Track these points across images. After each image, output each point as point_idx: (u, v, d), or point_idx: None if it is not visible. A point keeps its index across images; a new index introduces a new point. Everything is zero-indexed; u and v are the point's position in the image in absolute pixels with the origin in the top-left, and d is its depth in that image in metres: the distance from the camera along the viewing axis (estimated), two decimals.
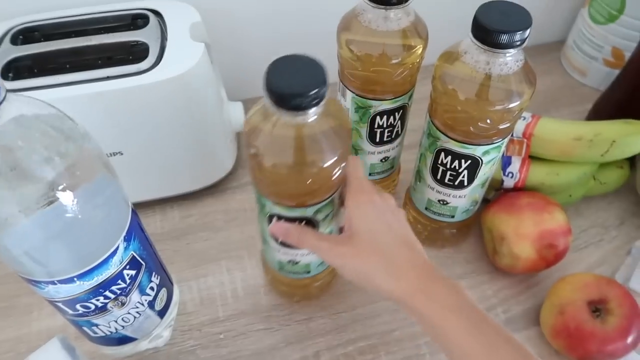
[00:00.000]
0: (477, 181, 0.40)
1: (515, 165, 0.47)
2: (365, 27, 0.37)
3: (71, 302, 0.32)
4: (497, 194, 0.49)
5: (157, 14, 0.46)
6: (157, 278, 0.38)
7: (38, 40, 0.44)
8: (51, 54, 0.43)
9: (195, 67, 0.42)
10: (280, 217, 0.35)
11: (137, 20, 0.46)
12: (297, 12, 0.55)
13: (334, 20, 0.40)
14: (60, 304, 0.32)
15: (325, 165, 0.31)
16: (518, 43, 0.32)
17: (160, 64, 0.42)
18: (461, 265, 0.49)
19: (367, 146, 0.45)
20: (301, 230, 0.34)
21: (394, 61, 0.37)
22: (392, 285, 0.32)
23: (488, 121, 0.34)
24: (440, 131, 0.38)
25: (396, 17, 0.37)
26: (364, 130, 0.43)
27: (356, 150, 0.46)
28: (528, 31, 0.32)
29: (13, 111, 0.25)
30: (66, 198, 0.27)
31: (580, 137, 0.45)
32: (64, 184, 0.27)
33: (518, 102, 0.34)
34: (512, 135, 0.47)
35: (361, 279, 0.33)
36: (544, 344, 0.43)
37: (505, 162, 0.47)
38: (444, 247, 0.48)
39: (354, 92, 0.41)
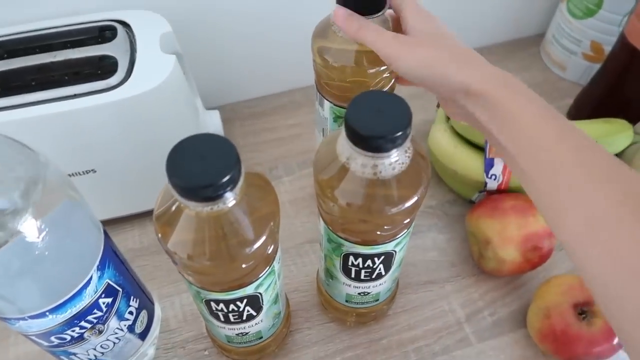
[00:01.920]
0: (395, 266, 0.36)
1: (498, 168, 0.46)
2: (339, 37, 0.36)
3: (45, 335, 0.31)
4: (481, 195, 0.49)
5: (125, 25, 0.45)
6: (135, 302, 0.37)
7: (1, 58, 0.42)
8: (15, 71, 0.41)
9: (167, 80, 0.41)
10: (218, 301, 0.32)
11: (104, 33, 0.44)
12: (271, 18, 0.54)
13: (309, 28, 0.39)
14: (33, 337, 0.31)
15: (255, 247, 0.28)
16: (400, 142, 0.27)
17: (130, 78, 0.41)
18: (446, 269, 0.49)
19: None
20: (361, 23, 0.32)
21: (370, 71, 0.36)
22: (464, 75, 0.28)
23: (396, 221, 0.31)
24: (342, 239, 0.33)
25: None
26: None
27: None
28: (410, 127, 0.27)
29: None
30: (30, 231, 0.26)
31: None
32: (27, 217, 0.25)
33: (422, 189, 0.30)
34: None
35: (425, 68, 0.29)
36: (532, 345, 0.43)
37: (488, 164, 0.47)
38: (374, 324, 0.45)
39: (331, 102, 0.40)
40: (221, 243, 0.27)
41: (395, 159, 0.28)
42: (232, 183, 0.25)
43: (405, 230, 0.32)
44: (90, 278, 0.30)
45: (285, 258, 0.49)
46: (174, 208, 0.27)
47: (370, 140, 0.26)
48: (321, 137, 0.43)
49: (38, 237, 0.26)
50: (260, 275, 0.31)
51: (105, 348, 0.35)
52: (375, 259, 0.33)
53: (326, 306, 0.44)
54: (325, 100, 0.40)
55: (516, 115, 0.27)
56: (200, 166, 0.25)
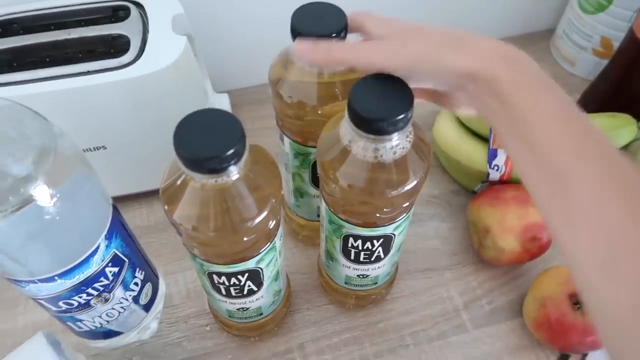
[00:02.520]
0: (394, 249, 0.37)
1: (501, 158, 0.47)
2: (298, 71, 0.33)
3: (53, 300, 0.32)
4: (483, 186, 0.49)
5: (138, 5, 0.46)
6: (141, 273, 0.38)
7: (17, 33, 0.43)
8: (31, 47, 0.42)
9: (177, 60, 0.42)
10: (220, 274, 0.33)
11: (118, 12, 0.45)
12: (283, 5, 0.55)
13: None
14: (42, 301, 0.33)
15: (257, 221, 0.28)
16: (402, 125, 0.27)
17: (142, 57, 0.41)
18: (447, 257, 0.49)
19: (311, 189, 0.42)
20: (330, 45, 0.28)
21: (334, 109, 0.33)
22: (464, 57, 0.25)
23: (395, 204, 0.31)
24: (343, 220, 0.33)
25: None
26: (306, 174, 0.40)
27: (301, 194, 0.43)
28: (411, 110, 0.27)
29: None
30: (42, 198, 0.27)
31: None
32: (40, 184, 0.26)
33: (422, 174, 0.30)
34: None
35: (420, 63, 0.26)
36: (527, 334, 0.44)
37: (491, 154, 0.47)
38: (372, 307, 0.46)
39: (290, 138, 0.37)
40: (224, 215, 0.28)
41: (397, 143, 0.28)
42: (237, 157, 0.26)
43: (404, 215, 0.33)
44: (98, 246, 0.31)
45: (287, 240, 0.50)
46: (179, 181, 0.28)
47: (372, 123, 0.27)
48: (285, 172, 0.41)
49: (50, 204, 0.27)
50: (262, 250, 0.32)
51: (110, 316, 0.36)
52: (375, 241, 0.34)
53: (326, 288, 0.45)
54: (285, 136, 0.38)
55: (527, 112, 0.24)
56: (207, 139, 0.25)
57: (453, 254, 0.49)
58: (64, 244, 0.29)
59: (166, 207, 0.29)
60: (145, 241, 0.50)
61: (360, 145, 0.28)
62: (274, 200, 0.29)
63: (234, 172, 0.27)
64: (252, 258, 0.32)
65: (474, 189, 0.51)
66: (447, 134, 0.51)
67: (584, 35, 0.60)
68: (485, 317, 0.45)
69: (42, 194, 0.27)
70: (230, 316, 0.39)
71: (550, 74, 0.70)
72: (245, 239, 0.29)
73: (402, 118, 0.26)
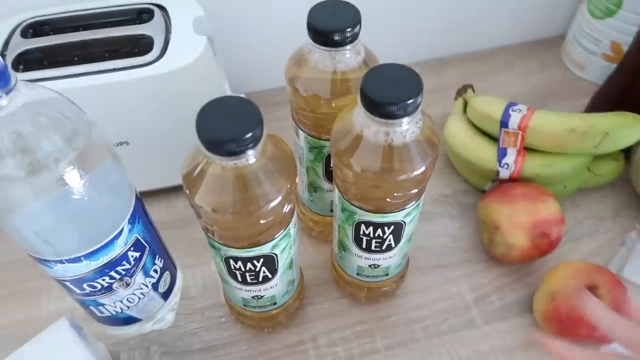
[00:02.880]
0: (404, 239, 0.38)
1: (510, 157, 0.48)
2: (312, 67, 0.35)
3: (79, 282, 0.34)
4: (493, 185, 0.50)
5: (161, 8, 0.48)
6: (160, 261, 0.39)
7: (47, 34, 0.45)
8: (60, 46, 0.44)
9: (198, 59, 0.44)
10: (237, 259, 0.34)
11: (142, 15, 0.48)
12: (303, 6, 0.57)
13: None
14: (68, 283, 0.34)
15: (273, 204, 0.30)
16: (411, 110, 0.29)
17: (165, 56, 0.44)
18: (458, 254, 0.50)
19: (324, 183, 0.43)
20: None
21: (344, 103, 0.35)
22: None
23: (405, 188, 0.32)
24: (355, 206, 0.34)
25: (344, 57, 0.35)
26: (320, 168, 0.42)
27: (315, 189, 0.44)
28: (420, 96, 0.29)
29: (23, 98, 0.26)
30: (75, 181, 0.28)
31: (573, 128, 0.46)
32: (73, 168, 0.28)
33: (430, 161, 0.32)
34: (507, 127, 0.48)
35: None
36: (537, 331, 0.44)
37: (501, 153, 0.48)
38: (384, 301, 0.47)
39: (306, 132, 0.39)
40: (242, 198, 0.29)
41: (406, 128, 0.30)
42: (255, 140, 0.27)
43: (414, 202, 0.34)
44: (122, 230, 0.33)
45: (302, 237, 0.51)
46: (200, 166, 0.30)
47: (383, 107, 0.28)
48: (300, 167, 0.43)
49: (81, 187, 0.29)
50: (277, 236, 0.33)
51: (130, 302, 0.38)
52: (386, 228, 0.35)
53: (339, 281, 0.46)
54: (300, 130, 0.40)
55: None
56: (227, 123, 0.27)
57: (463, 252, 0.50)
58: (91, 226, 0.31)
59: (188, 191, 0.30)
60: (163, 235, 0.51)
61: (372, 130, 0.30)
62: (289, 186, 0.31)
63: (252, 156, 0.28)
64: (267, 243, 0.33)
65: (484, 188, 0.52)
66: (458, 134, 0.52)
67: (593, 40, 0.62)
68: (496, 312, 0.46)
69: (74, 176, 0.28)
70: (245, 305, 0.41)
71: (560, 79, 0.71)
72: (261, 221, 0.30)
73: (412, 103, 0.28)
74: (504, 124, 0.48)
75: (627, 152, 0.51)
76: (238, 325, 0.45)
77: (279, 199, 0.30)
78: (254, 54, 0.62)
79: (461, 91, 0.56)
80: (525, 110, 0.48)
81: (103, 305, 0.37)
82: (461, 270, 0.49)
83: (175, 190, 0.54)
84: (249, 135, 0.27)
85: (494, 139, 0.50)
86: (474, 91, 0.55)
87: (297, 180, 0.32)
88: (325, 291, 0.48)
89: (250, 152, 0.28)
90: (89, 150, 0.29)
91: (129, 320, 0.40)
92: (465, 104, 0.55)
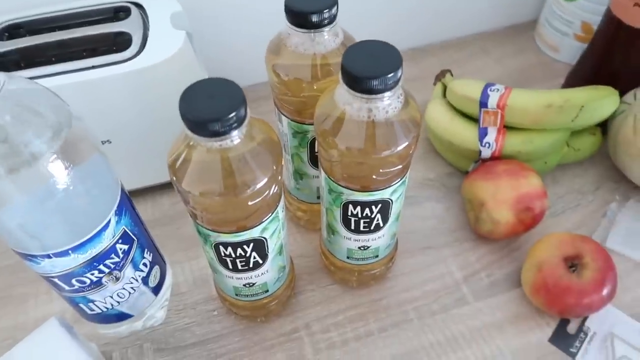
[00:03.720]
0: (392, 218, 0.38)
1: (491, 136, 0.49)
2: (292, 51, 0.35)
3: (67, 277, 0.33)
4: (476, 165, 0.51)
5: (138, 6, 0.48)
6: (149, 255, 0.39)
7: (23, 36, 0.45)
8: (37, 47, 0.44)
9: (177, 53, 0.44)
10: (227, 244, 0.34)
11: (119, 13, 0.48)
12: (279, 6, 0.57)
13: None
14: (56, 280, 0.34)
15: (259, 185, 0.30)
16: (392, 84, 0.29)
17: (144, 52, 0.43)
18: (445, 235, 0.51)
19: (310, 169, 0.43)
20: None
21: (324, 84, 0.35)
22: None
23: (390, 164, 0.33)
24: (341, 186, 0.35)
25: (323, 39, 0.35)
26: (305, 154, 0.42)
27: (301, 175, 0.44)
28: (400, 70, 0.29)
29: (2, 87, 0.26)
30: (59, 173, 0.28)
31: (550, 104, 0.47)
32: (57, 159, 0.28)
33: (413, 137, 0.32)
34: (487, 107, 0.49)
35: None
36: (526, 303, 0.45)
37: (482, 133, 0.49)
38: (375, 284, 0.47)
39: (289, 118, 0.39)
40: (229, 179, 0.29)
41: (388, 103, 0.30)
42: (239, 120, 0.28)
43: (400, 179, 0.35)
44: (109, 221, 0.33)
45: (290, 226, 0.51)
46: (186, 151, 0.30)
47: (364, 82, 0.28)
48: (284, 154, 0.43)
49: (66, 179, 0.28)
50: (265, 219, 0.33)
51: (121, 297, 0.38)
52: (373, 207, 0.36)
53: (329, 267, 0.46)
54: (283, 116, 0.40)
55: None
56: (210, 104, 0.27)
57: (451, 232, 0.51)
58: (78, 218, 0.31)
59: (174, 178, 0.31)
60: (151, 234, 0.51)
61: (355, 107, 0.30)
62: (275, 167, 0.31)
63: (236, 136, 0.28)
64: (256, 226, 0.33)
65: (467, 169, 0.53)
66: (439, 118, 0.53)
67: (565, 22, 0.63)
68: (485, 289, 0.47)
69: (58, 168, 0.28)
70: (237, 295, 0.40)
71: (535, 62, 0.73)
72: (249, 203, 0.30)
73: (392, 76, 0.28)
74: (483, 104, 0.49)
75: (604, 127, 0.52)
76: (231, 317, 0.45)
77: (265, 180, 0.30)
78: (234, 50, 0.62)
79: (440, 76, 0.57)
80: (503, 90, 0.49)
81: (93, 301, 0.37)
82: (449, 250, 0.49)
83: (160, 188, 0.54)
84: (232, 114, 0.27)
85: (474, 120, 0.51)
86: (452, 75, 0.56)
87: (282, 163, 0.33)
88: (317, 279, 0.48)
89: (234, 133, 0.28)
90: (73, 140, 0.29)
91: (120, 317, 0.40)
92: (445, 88, 0.55)
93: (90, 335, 0.43)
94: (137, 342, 0.44)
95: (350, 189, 0.34)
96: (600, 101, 0.47)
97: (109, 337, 0.44)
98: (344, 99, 0.31)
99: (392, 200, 0.36)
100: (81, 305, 0.37)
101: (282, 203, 0.35)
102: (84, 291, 0.35)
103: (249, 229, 0.33)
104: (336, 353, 0.43)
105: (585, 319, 0.44)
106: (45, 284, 0.47)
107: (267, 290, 0.41)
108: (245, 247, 0.34)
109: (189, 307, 0.46)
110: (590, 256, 0.41)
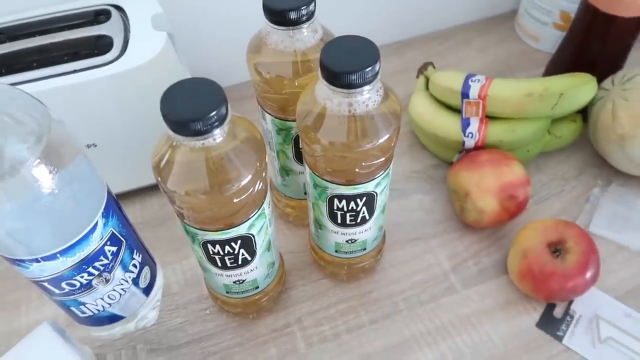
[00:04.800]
0: (377, 211, 0.39)
1: (474, 126, 0.49)
2: (272, 49, 0.36)
3: (56, 281, 0.34)
4: (460, 155, 0.52)
5: (118, 8, 0.48)
6: (138, 256, 0.39)
7: (3, 42, 0.45)
8: (17, 53, 0.44)
9: (159, 54, 0.44)
10: (214, 242, 0.34)
11: (99, 16, 0.47)
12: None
13: None
14: (46, 284, 0.34)
15: (244, 182, 0.30)
16: (370, 78, 0.30)
17: (126, 54, 0.44)
18: (432, 226, 0.51)
19: (296, 165, 0.44)
20: None
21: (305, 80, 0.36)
22: None
23: (372, 157, 0.33)
24: (326, 180, 0.35)
25: (302, 36, 0.35)
26: (290, 150, 0.42)
27: (287, 172, 0.45)
28: (378, 63, 0.30)
29: None
30: (43, 178, 0.28)
31: (530, 92, 0.48)
32: (40, 164, 0.28)
33: (393, 129, 0.33)
34: (468, 98, 0.50)
35: None
36: (513, 290, 0.46)
37: (465, 123, 0.50)
38: (364, 277, 0.48)
39: (272, 115, 0.40)
40: (213, 177, 0.29)
41: (368, 96, 0.31)
42: (220, 119, 0.28)
43: (383, 171, 0.35)
44: (96, 224, 0.33)
45: (278, 223, 0.52)
46: (169, 152, 0.30)
47: (343, 77, 0.29)
48: (270, 152, 0.44)
49: (48, 182, 0.28)
50: (251, 216, 0.34)
51: (112, 299, 0.38)
52: (358, 200, 0.36)
53: (319, 262, 0.47)
54: (267, 114, 0.40)
55: None
56: (191, 104, 0.28)
57: (438, 223, 0.52)
58: (65, 221, 0.31)
59: (159, 178, 0.31)
60: (140, 236, 0.51)
61: (335, 102, 0.31)
62: (258, 164, 0.31)
63: (219, 135, 0.29)
64: (243, 223, 0.33)
65: (452, 160, 0.53)
66: (422, 110, 0.54)
67: (544, 11, 0.64)
68: (473, 277, 0.47)
69: (42, 173, 0.28)
70: (227, 292, 0.41)
71: (517, 51, 0.74)
72: (234, 200, 0.31)
73: (370, 70, 0.29)
74: (464, 94, 0.50)
75: (585, 114, 0.53)
76: (223, 315, 0.46)
77: (250, 176, 0.31)
78: (216, 50, 0.62)
79: (422, 69, 0.57)
80: (484, 80, 0.49)
81: (84, 304, 0.37)
82: (437, 240, 0.50)
83: (148, 190, 0.54)
84: (213, 113, 0.27)
85: (457, 111, 0.52)
86: (434, 67, 0.57)
87: (266, 160, 0.33)
88: (307, 274, 0.48)
89: (216, 131, 0.28)
90: (54, 145, 0.29)
91: (113, 319, 0.40)
92: (427, 81, 0.56)
93: (84, 339, 0.44)
94: (130, 344, 0.44)
95: (335, 183, 0.35)
96: (578, 88, 0.47)
97: (103, 339, 0.44)
98: (324, 95, 0.31)
99: (376, 193, 0.36)
100: (72, 308, 0.37)
101: (268, 199, 0.35)
102: (74, 294, 0.35)
103: (236, 226, 0.33)
104: (329, 346, 0.44)
105: (571, 302, 0.45)
106: (36, 290, 0.47)
107: (258, 287, 0.41)
108: (233, 244, 0.35)
109: (181, 307, 0.47)
110: (573, 240, 0.42)
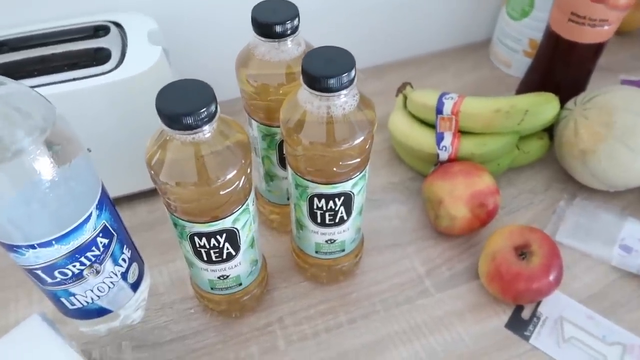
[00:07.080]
0: (355, 212, 0.41)
1: (447, 140, 0.53)
2: (259, 60, 0.39)
3: (50, 269, 0.35)
4: (435, 168, 0.55)
5: (117, 24, 0.51)
6: (128, 251, 0.41)
7: (6, 52, 0.48)
8: (19, 62, 0.47)
9: (154, 66, 0.47)
10: (201, 235, 0.37)
11: (99, 31, 0.51)
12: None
13: None
14: (39, 272, 0.36)
15: (230, 175, 0.33)
16: (347, 83, 0.33)
17: (122, 65, 0.47)
18: (408, 234, 0.54)
19: (279, 171, 0.47)
20: None
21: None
22: None
23: (349, 157, 0.36)
24: (307, 180, 0.38)
25: (287, 47, 0.39)
26: (274, 156, 0.45)
27: (271, 177, 0.48)
28: (354, 70, 0.33)
29: None
30: (46, 168, 0.31)
31: (498, 109, 0.51)
32: (44, 154, 0.31)
33: (368, 132, 0.36)
34: (442, 114, 0.53)
35: None
36: (484, 293, 0.49)
37: (439, 137, 0.53)
38: (344, 280, 0.50)
39: (258, 121, 0.43)
40: (202, 170, 0.32)
41: (344, 100, 0.34)
42: (210, 115, 0.31)
43: (359, 172, 0.38)
44: (90, 214, 0.35)
45: (262, 229, 0.54)
46: (162, 146, 0.33)
47: (322, 81, 0.32)
48: (255, 157, 0.47)
49: (52, 172, 0.31)
50: (236, 210, 0.36)
51: (101, 291, 0.40)
52: (336, 199, 0.39)
53: (302, 265, 0.49)
54: (253, 121, 0.43)
55: None
56: (184, 101, 0.31)
57: (414, 231, 0.54)
58: (62, 210, 0.33)
59: (152, 171, 0.33)
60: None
61: (315, 105, 0.34)
62: (243, 161, 0.34)
63: (208, 130, 0.32)
64: (228, 217, 0.36)
65: (428, 173, 0.57)
66: (400, 126, 0.57)
67: (514, 40, 0.69)
68: (446, 281, 0.50)
69: (45, 164, 0.31)
70: (212, 288, 0.43)
71: (490, 76, 0.78)
72: (220, 192, 0.34)
73: (347, 76, 0.32)
74: (439, 110, 0.53)
75: (551, 132, 0.57)
76: (207, 314, 0.48)
77: (235, 171, 0.33)
78: (207, 66, 0.65)
79: (401, 88, 0.61)
80: (456, 97, 0.53)
81: (74, 295, 0.39)
82: (413, 247, 0.53)
83: (138, 196, 0.56)
84: (204, 109, 0.30)
85: (432, 126, 0.55)
86: (412, 87, 0.61)
87: (251, 158, 0.36)
88: (289, 276, 0.50)
89: (206, 127, 0.31)
90: (58, 138, 0.32)
91: (100, 312, 0.42)
92: (405, 99, 0.60)
93: (70, 335, 0.44)
94: (116, 341, 0.46)
95: (315, 182, 0.38)
96: (542, 106, 0.52)
97: (88, 336, 0.45)
98: (305, 99, 0.34)
99: (353, 193, 0.39)
100: (62, 299, 0.39)
101: (252, 197, 0.38)
102: (65, 284, 0.37)
103: (222, 219, 0.36)
104: (308, 344, 0.46)
105: (538, 305, 0.48)
106: (24, 289, 0.49)
107: (241, 284, 0.43)
108: (218, 237, 0.37)
109: (167, 306, 0.48)
110: (537, 244, 0.45)
